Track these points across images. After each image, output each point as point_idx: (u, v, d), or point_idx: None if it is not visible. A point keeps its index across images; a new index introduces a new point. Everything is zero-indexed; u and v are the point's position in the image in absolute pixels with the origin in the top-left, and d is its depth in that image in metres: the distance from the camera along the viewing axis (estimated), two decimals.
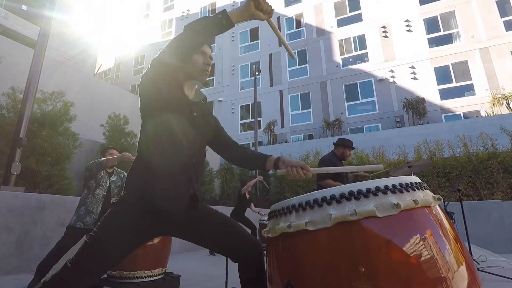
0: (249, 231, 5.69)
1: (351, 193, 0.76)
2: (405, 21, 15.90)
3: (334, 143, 3.61)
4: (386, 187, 0.76)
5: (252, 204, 6.03)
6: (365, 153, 10.60)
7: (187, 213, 1.21)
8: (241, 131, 18.60)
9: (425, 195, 0.80)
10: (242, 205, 5.75)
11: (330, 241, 0.74)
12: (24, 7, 15.81)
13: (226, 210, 5.80)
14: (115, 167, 3.24)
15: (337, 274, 0.71)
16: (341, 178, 3.35)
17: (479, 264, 3.74)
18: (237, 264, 1.26)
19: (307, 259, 0.77)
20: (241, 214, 5.68)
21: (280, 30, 19.87)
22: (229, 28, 1.12)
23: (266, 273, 0.97)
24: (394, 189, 0.76)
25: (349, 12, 17.58)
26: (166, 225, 1.20)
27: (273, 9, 1.16)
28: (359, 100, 16.26)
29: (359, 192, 0.76)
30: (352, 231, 0.73)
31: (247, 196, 5.78)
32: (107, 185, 3.06)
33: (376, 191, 0.75)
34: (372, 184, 0.77)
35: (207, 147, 1.42)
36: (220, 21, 1.10)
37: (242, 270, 1.24)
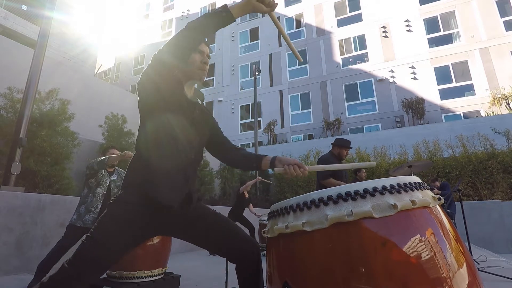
0: (247, 231, 5.66)
1: (348, 193, 0.76)
2: (405, 21, 15.89)
3: (332, 143, 3.61)
4: (384, 188, 0.76)
5: (250, 204, 5.97)
6: (366, 153, 10.60)
7: (184, 213, 1.22)
8: (241, 131, 18.60)
9: (424, 195, 0.79)
10: (240, 205, 5.69)
11: (327, 242, 0.74)
12: (24, 7, 15.82)
13: (226, 210, 5.79)
14: (116, 167, 3.24)
15: (334, 274, 0.71)
16: (340, 178, 3.35)
17: (479, 264, 3.74)
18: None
19: (304, 259, 0.77)
20: (239, 214, 5.60)
21: None
22: (229, 22, 1.11)
23: (266, 273, 0.98)
24: (391, 190, 0.76)
25: (349, 12, 17.58)
26: (164, 225, 1.20)
27: (277, 3, 1.13)
28: (359, 100, 16.26)
29: (356, 192, 0.75)
30: (349, 231, 0.72)
31: (246, 195, 5.72)
32: (108, 184, 3.06)
33: (373, 192, 0.75)
34: (369, 184, 0.77)
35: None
36: (220, 15, 1.09)
37: (239, 271, 1.25)
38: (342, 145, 3.49)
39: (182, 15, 23.46)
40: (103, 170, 3.06)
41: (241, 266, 1.24)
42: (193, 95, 1.35)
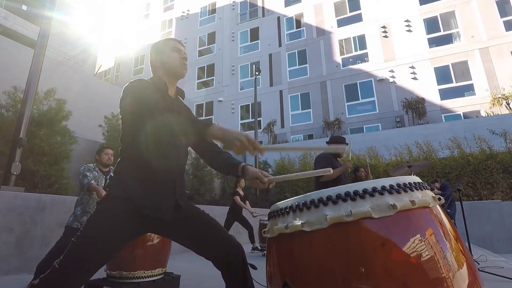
0: (246, 232, 5.61)
1: (347, 194, 0.76)
2: (405, 21, 15.89)
3: (326, 142, 3.60)
4: (383, 188, 0.76)
5: (247, 201, 5.84)
6: (361, 154, 10.58)
7: (172, 215, 1.21)
8: (241, 131, 18.56)
9: (424, 196, 0.79)
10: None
11: (326, 242, 0.74)
12: (24, 7, 15.82)
13: (226, 210, 5.78)
14: (111, 166, 3.26)
15: (333, 275, 0.71)
16: (339, 178, 3.34)
17: (479, 264, 3.74)
18: (227, 267, 1.24)
19: (304, 259, 0.77)
20: (238, 213, 5.47)
21: (280, 30, 19.80)
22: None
23: (266, 273, 0.97)
24: (391, 190, 0.75)
25: (349, 12, 17.57)
26: (153, 224, 1.20)
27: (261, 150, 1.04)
28: (359, 100, 16.25)
29: (356, 193, 0.75)
30: (348, 232, 0.72)
31: (241, 192, 5.51)
32: (103, 184, 3.07)
33: (373, 192, 0.75)
34: (368, 184, 0.77)
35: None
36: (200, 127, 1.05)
37: (226, 277, 1.23)
38: (338, 142, 3.48)
39: (182, 15, 23.45)
40: (97, 170, 3.09)
41: (227, 272, 1.22)
42: (175, 93, 1.35)
